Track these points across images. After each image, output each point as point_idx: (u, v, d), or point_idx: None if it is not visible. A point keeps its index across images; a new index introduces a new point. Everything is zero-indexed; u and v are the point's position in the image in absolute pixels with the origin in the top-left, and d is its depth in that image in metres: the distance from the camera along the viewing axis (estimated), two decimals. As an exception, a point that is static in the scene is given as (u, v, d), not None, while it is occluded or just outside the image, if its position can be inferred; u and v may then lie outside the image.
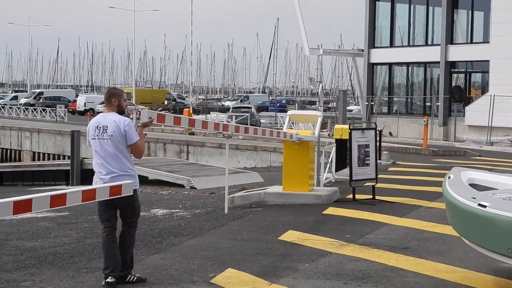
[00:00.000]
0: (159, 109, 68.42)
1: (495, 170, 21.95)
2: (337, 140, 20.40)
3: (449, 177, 9.16)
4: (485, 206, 7.54)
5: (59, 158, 42.73)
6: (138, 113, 10.99)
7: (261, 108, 78.06)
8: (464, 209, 7.90)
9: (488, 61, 39.11)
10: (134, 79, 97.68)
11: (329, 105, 61.66)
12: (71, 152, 26.94)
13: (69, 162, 27.09)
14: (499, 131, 36.60)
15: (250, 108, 61.03)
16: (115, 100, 8.37)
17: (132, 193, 7.91)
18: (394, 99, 46.72)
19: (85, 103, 74.56)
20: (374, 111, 44.54)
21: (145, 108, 62.53)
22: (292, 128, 17.32)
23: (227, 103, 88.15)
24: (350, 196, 15.41)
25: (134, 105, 72.96)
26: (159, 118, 10.91)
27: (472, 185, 9.07)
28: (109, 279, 8.13)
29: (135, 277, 8.35)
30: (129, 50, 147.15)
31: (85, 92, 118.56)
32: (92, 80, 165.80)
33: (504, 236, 7.48)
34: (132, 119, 8.33)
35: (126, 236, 8.38)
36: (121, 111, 8.36)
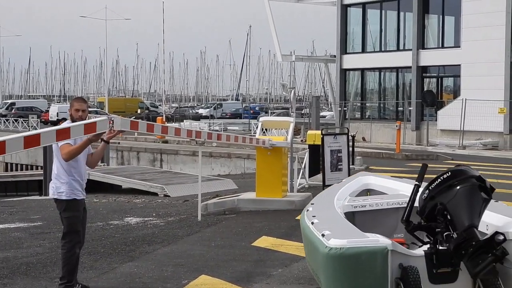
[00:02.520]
0: (132, 117, 68.33)
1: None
2: (310, 146, 20.43)
3: (339, 181, 9.28)
4: (307, 210, 7.60)
5: (32, 169, 42.45)
6: (111, 122, 10.87)
7: (235, 115, 78.11)
8: (302, 213, 7.93)
9: (459, 65, 39.34)
10: (107, 88, 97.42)
11: (303, 111, 61.86)
12: (44, 162, 26.74)
13: (42, 172, 26.92)
14: (471, 134, 36.84)
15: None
16: (69, 109, 8.45)
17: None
18: (367, 104, 46.87)
19: (57, 113, 73.97)
20: (347, 117, 44.66)
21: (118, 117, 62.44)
22: (265, 135, 17.35)
23: (200, 111, 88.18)
24: (324, 201, 15.42)
25: (107, 114, 72.77)
26: (132, 126, 10.85)
27: (368, 190, 9.13)
28: None
29: None
30: (102, 59, 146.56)
31: (57, 102, 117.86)
32: (64, 90, 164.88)
33: (304, 244, 7.50)
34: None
35: (61, 248, 8.39)
36: (72, 121, 8.33)
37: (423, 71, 42.46)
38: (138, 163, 37.76)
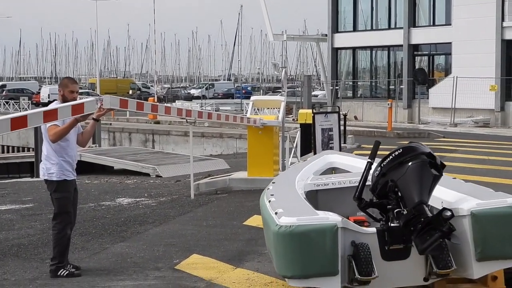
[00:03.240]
0: (124, 98, 68.06)
1: (459, 151, 22.14)
2: (301, 125, 20.44)
3: (304, 160, 9.31)
4: (268, 189, 7.62)
5: (23, 151, 42.37)
6: (101, 101, 10.86)
7: (227, 96, 78.00)
8: (263, 192, 7.93)
9: (450, 43, 39.31)
10: (98, 69, 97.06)
11: (295, 90, 61.77)
12: (35, 144, 26.72)
13: (34, 154, 26.89)
14: (463, 112, 36.87)
15: None
16: (60, 89, 8.38)
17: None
18: (359, 83, 46.85)
19: (49, 94, 73.58)
20: (339, 96, 44.65)
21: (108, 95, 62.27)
22: (257, 114, 17.34)
23: (192, 91, 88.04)
24: (315, 180, 15.42)
25: (98, 95, 72.66)
26: (122, 104, 10.83)
27: (333, 169, 9.16)
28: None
29: (66, 272, 8.26)
30: (93, 41, 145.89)
31: (48, 84, 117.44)
32: (55, 71, 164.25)
33: (262, 222, 7.49)
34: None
35: (52, 229, 8.41)
36: (65, 101, 8.27)
37: (414, 49, 42.43)
38: (130, 144, 37.75)
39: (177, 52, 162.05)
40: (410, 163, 6.18)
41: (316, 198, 7.85)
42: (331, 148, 15.86)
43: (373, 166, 6.51)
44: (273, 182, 8.03)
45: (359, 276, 5.96)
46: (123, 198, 15.08)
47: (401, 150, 6.28)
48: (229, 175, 16.08)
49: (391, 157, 6.29)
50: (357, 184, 6.77)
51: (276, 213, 6.26)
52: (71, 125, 8.09)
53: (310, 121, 17.75)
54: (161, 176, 20.24)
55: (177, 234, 10.69)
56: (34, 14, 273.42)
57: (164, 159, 23.27)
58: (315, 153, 15.69)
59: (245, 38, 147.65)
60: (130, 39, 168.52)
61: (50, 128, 8.04)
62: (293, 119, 36.29)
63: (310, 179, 8.23)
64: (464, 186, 7.12)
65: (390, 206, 6.27)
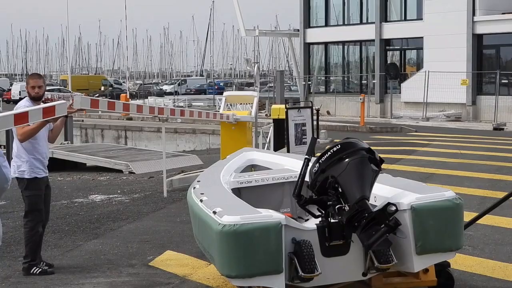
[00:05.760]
0: (96, 95, 67.88)
1: (431, 145, 22.24)
2: (274, 120, 20.40)
3: (225, 158, 9.38)
4: (194, 188, 7.65)
5: (-5, 148, 41.99)
6: (73, 99, 10.89)
7: (199, 91, 77.83)
8: (188, 191, 7.93)
9: (422, 37, 39.49)
10: (69, 66, 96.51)
11: (268, 85, 61.75)
12: (6, 142, 26.53)
13: (5, 152, 26.68)
14: (435, 106, 37.06)
15: None
16: (26, 86, 8.36)
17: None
18: (331, 78, 46.94)
19: (20, 91, 73.26)
20: (311, 91, 44.72)
21: (82, 94, 62.03)
22: (230, 110, 17.33)
23: (164, 87, 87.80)
24: (289, 175, 15.41)
25: (70, 92, 72.27)
26: (93, 104, 10.76)
27: (252, 166, 9.21)
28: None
29: (39, 270, 8.25)
30: (64, 37, 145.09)
31: (19, 81, 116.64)
32: (26, 68, 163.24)
33: (193, 222, 7.56)
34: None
35: (23, 227, 8.39)
36: (30, 97, 8.28)
37: (386, 44, 42.57)
38: (103, 140, 37.54)
39: (149, 48, 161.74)
40: (349, 159, 6.14)
41: (239, 195, 7.84)
42: (304, 143, 15.86)
43: (310, 163, 6.48)
44: (198, 181, 8.00)
45: (302, 274, 5.95)
46: (96, 195, 15.00)
47: (339, 146, 6.24)
48: (203, 171, 16.02)
49: (329, 153, 6.23)
50: (279, 181, 6.73)
51: (214, 212, 6.21)
52: (41, 126, 8.04)
53: (283, 116, 17.73)
54: (134, 173, 20.15)
55: (150, 231, 10.66)
56: (3, 11, 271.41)
57: (137, 156, 23.16)
58: (288, 148, 15.70)
59: (217, 34, 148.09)
60: (102, 35, 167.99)
61: (19, 127, 7.99)
62: (266, 115, 36.31)
63: (232, 176, 8.24)
64: (395, 180, 7.13)
65: (331, 202, 6.23)
